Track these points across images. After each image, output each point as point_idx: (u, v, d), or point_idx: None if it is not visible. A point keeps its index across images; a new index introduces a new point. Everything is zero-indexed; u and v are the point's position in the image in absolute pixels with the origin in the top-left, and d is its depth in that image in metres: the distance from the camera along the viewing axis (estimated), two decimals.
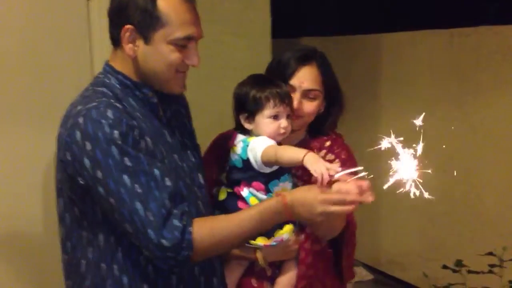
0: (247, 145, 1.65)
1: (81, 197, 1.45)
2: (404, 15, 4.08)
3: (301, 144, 1.75)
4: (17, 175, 2.22)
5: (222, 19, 2.76)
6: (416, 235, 3.71)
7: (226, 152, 1.74)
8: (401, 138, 1.34)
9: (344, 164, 1.55)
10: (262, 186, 1.65)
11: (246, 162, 1.65)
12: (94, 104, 1.40)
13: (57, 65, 2.26)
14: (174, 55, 1.45)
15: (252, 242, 1.63)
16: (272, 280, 1.73)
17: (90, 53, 2.34)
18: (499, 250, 2.76)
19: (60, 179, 1.49)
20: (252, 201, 1.65)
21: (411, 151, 1.35)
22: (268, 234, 1.63)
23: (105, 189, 1.37)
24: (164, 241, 1.35)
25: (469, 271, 2.86)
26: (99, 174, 1.36)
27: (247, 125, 1.68)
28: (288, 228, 1.65)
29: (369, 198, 1.42)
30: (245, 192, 1.66)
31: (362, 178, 1.43)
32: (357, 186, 1.41)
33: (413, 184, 1.34)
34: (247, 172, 1.65)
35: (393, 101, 3.88)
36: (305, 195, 1.44)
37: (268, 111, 1.65)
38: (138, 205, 1.36)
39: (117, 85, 1.49)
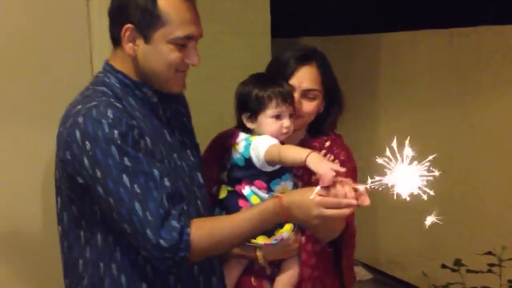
0: (250, 144, 1.65)
1: (80, 196, 1.45)
2: (404, 15, 4.08)
3: (301, 144, 1.75)
4: (16, 175, 2.22)
5: (221, 19, 2.76)
6: (415, 234, 3.70)
7: (226, 151, 1.75)
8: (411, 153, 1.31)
9: (343, 165, 1.55)
10: (264, 184, 1.65)
11: (248, 160, 1.65)
12: (94, 103, 1.40)
13: (57, 65, 2.26)
14: (174, 55, 1.45)
15: (253, 240, 1.63)
16: (272, 279, 1.73)
17: (90, 53, 2.34)
18: (498, 250, 2.76)
19: (59, 178, 1.49)
20: (254, 199, 1.65)
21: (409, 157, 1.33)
22: (269, 232, 1.63)
23: (104, 188, 1.37)
24: (162, 242, 1.35)
25: (468, 271, 2.86)
26: (99, 173, 1.36)
27: (249, 125, 1.69)
28: (288, 226, 1.65)
29: (365, 201, 1.41)
30: (246, 190, 1.66)
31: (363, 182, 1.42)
32: (353, 190, 1.41)
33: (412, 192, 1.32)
34: (249, 170, 1.65)
35: (392, 101, 3.88)
36: (302, 198, 1.44)
37: (270, 110, 1.65)
38: (137, 205, 1.36)
39: (117, 84, 1.49)
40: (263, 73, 1.79)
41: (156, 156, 1.44)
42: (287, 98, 1.65)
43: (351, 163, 1.78)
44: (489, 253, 2.79)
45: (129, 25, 1.43)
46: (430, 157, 1.29)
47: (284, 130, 1.66)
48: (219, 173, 1.79)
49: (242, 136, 1.69)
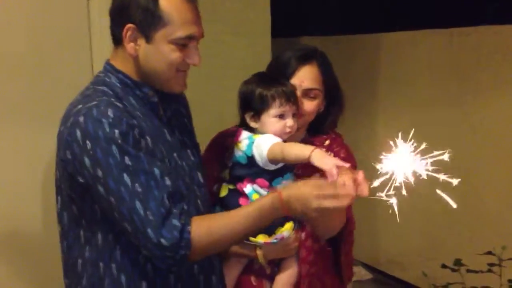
0: (253, 142, 1.65)
1: (80, 196, 1.45)
2: (404, 14, 4.09)
3: (301, 143, 1.75)
4: (16, 175, 2.22)
5: (222, 19, 2.76)
6: (415, 234, 3.71)
7: (227, 150, 1.75)
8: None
9: None
10: (267, 183, 1.65)
11: (251, 158, 1.65)
12: (95, 103, 1.40)
13: (57, 65, 2.26)
14: (175, 54, 1.45)
15: (253, 239, 1.63)
16: (271, 278, 1.73)
17: (90, 53, 2.35)
18: (498, 250, 2.76)
19: (60, 178, 1.49)
20: (255, 197, 1.64)
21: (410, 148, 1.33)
22: (269, 231, 1.63)
23: (105, 188, 1.37)
24: (163, 240, 1.35)
25: (468, 271, 2.86)
26: (99, 173, 1.37)
27: (252, 124, 1.69)
28: (288, 225, 1.65)
29: (364, 191, 1.37)
30: (248, 188, 1.66)
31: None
32: (352, 179, 1.37)
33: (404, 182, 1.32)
34: (252, 169, 1.65)
35: (392, 101, 3.88)
36: (301, 190, 1.42)
37: (274, 110, 1.65)
38: (138, 204, 1.36)
39: (118, 84, 1.49)
40: (266, 72, 1.78)
41: (157, 156, 1.44)
42: (290, 97, 1.65)
43: (351, 162, 1.78)
44: (489, 253, 2.79)
45: (130, 25, 1.43)
46: (438, 152, 1.28)
47: (288, 130, 1.66)
48: (219, 172, 1.79)
49: (245, 134, 1.69)
